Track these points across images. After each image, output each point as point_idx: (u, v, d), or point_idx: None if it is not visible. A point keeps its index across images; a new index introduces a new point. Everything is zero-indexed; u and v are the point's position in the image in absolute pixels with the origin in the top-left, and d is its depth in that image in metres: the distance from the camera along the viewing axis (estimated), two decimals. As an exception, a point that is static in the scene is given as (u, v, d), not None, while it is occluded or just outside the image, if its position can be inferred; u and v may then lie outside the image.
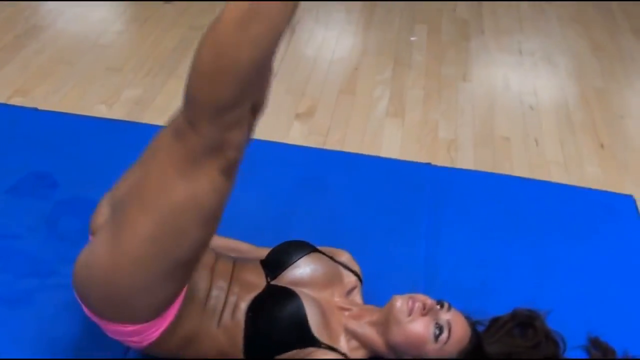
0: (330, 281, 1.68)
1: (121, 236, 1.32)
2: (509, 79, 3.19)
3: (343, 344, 1.57)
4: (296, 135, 2.72)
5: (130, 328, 1.43)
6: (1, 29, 3.22)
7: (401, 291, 1.64)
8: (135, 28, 3.41)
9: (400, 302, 1.56)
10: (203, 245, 1.39)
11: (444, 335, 1.54)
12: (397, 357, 1.59)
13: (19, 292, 1.84)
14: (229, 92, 1.20)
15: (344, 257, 1.80)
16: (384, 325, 1.58)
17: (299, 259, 1.67)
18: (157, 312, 1.42)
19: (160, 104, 2.82)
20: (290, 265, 1.66)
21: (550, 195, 2.38)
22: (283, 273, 1.65)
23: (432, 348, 1.54)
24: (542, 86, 3.18)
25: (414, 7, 3.82)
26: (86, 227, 1.61)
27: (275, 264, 1.67)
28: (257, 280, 1.62)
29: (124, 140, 2.44)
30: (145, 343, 1.48)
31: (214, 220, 1.35)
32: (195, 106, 1.23)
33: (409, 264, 2.05)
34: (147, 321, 1.43)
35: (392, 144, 2.71)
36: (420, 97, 3.03)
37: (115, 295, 1.37)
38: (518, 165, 2.60)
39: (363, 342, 1.60)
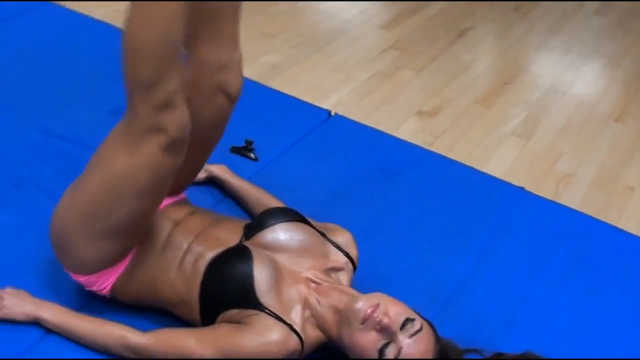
0: (306, 252, 1.60)
1: (75, 191, 1.51)
2: (669, 131, 2.87)
3: (295, 316, 1.49)
4: (407, 130, 2.65)
5: (82, 279, 1.56)
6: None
7: (412, 299, 1.53)
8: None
9: (360, 305, 1.45)
10: (142, 215, 1.50)
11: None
12: (345, 352, 1.51)
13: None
14: (146, 70, 1.32)
15: (343, 237, 1.69)
16: (341, 318, 1.49)
17: (277, 223, 1.62)
18: (102, 266, 1.54)
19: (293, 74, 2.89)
20: (266, 227, 1.62)
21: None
22: (257, 234, 1.61)
23: None
24: None
25: (601, 40, 3.55)
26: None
27: (255, 225, 1.64)
28: (231, 239, 1.60)
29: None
30: (105, 291, 1.59)
31: (152, 193, 1.47)
32: (126, 88, 1.38)
33: (442, 276, 1.92)
34: (94, 272, 1.55)
35: (502, 163, 2.55)
36: (558, 126, 2.81)
37: (65, 245, 1.53)
38: (628, 218, 2.33)
39: (318, 323, 1.52)
